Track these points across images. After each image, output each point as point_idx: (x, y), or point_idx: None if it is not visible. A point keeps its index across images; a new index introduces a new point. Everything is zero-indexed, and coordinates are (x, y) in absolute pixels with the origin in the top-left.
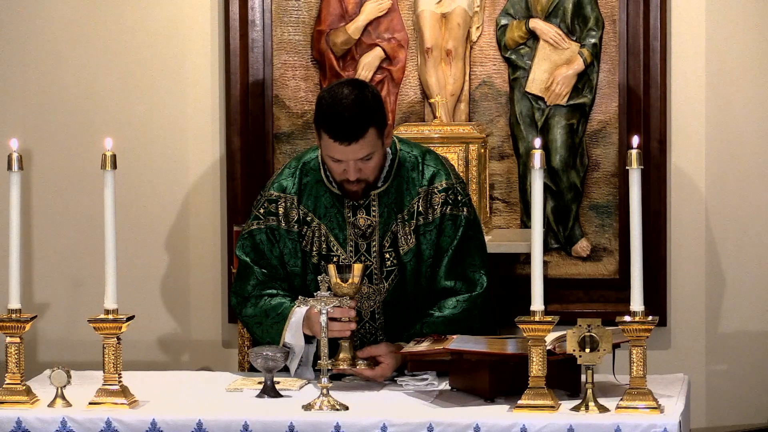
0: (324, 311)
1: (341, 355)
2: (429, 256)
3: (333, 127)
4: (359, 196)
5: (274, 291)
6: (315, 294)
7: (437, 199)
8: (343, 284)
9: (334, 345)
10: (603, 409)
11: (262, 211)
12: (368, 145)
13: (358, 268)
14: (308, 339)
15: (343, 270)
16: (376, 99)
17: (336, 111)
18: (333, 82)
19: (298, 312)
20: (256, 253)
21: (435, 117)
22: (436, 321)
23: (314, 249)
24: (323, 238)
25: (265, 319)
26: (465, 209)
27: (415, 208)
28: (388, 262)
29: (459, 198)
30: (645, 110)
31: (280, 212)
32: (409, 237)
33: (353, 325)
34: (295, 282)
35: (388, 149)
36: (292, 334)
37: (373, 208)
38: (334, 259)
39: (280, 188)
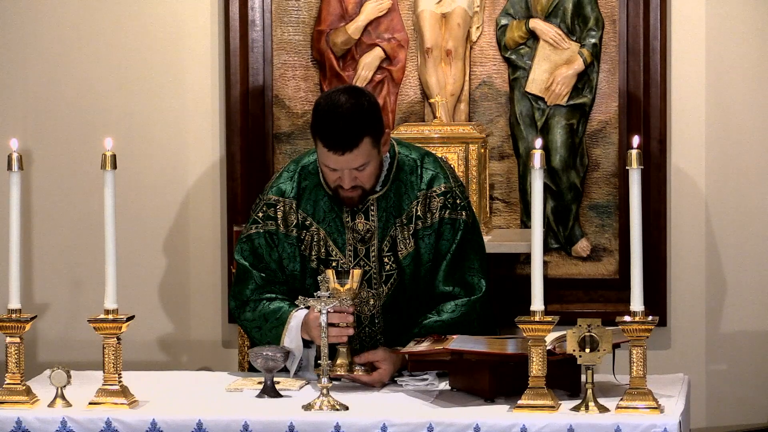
0: (324, 311)
1: (338, 361)
2: (428, 260)
3: (327, 137)
4: (355, 202)
5: (273, 295)
6: (315, 294)
7: (436, 203)
8: (341, 289)
9: (333, 349)
10: (603, 409)
11: (260, 215)
12: (363, 154)
13: (356, 273)
14: (307, 343)
15: (342, 275)
16: (372, 108)
17: (331, 120)
18: (331, 88)
19: (297, 316)
20: (254, 257)
21: (435, 117)
22: (434, 326)
23: (313, 253)
24: (322, 243)
25: (264, 323)
26: (464, 213)
27: (414, 212)
28: (387, 267)
29: (458, 202)
30: (645, 110)
31: (278, 216)
32: (407, 241)
33: (351, 331)
34: (294, 285)
35: (387, 153)
36: (291, 339)
37: (372, 213)
38: (333, 264)
39: (278, 192)
